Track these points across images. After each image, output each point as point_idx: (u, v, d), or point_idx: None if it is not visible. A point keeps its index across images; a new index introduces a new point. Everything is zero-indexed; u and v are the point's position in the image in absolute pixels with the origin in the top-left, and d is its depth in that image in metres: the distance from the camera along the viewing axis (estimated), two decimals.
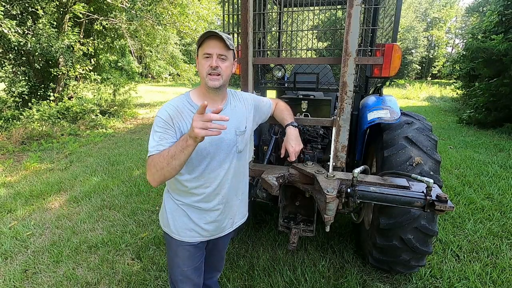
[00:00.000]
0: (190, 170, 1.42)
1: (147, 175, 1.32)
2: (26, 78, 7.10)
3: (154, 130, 1.34)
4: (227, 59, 1.36)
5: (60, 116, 7.75)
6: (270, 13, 3.24)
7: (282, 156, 1.75)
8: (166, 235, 1.58)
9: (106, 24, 9.12)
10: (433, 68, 37.03)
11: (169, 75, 12.26)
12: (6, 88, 7.17)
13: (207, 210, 1.48)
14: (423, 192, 1.50)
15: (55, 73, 7.63)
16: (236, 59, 1.47)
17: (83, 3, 7.36)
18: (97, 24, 9.06)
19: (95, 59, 9.03)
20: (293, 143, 1.70)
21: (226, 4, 2.37)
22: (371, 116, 2.16)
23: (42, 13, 6.41)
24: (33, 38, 5.96)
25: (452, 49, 40.11)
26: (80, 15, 7.50)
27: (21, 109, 7.21)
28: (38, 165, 5.14)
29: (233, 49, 1.38)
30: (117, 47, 10.34)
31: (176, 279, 1.62)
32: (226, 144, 1.44)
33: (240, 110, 1.54)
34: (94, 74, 8.62)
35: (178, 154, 1.21)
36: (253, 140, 2.36)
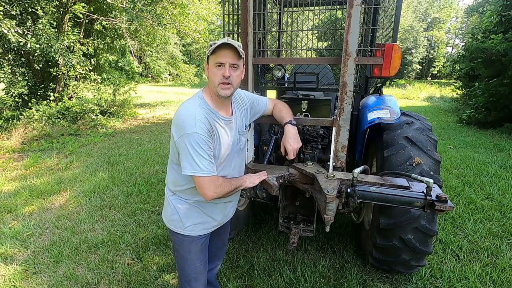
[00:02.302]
0: None
1: (209, 192, 1.37)
2: (26, 79, 7.09)
3: (200, 147, 1.30)
4: (238, 68, 1.39)
5: (60, 116, 7.75)
6: (270, 13, 3.24)
7: (283, 154, 1.76)
8: (178, 235, 1.57)
9: (106, 24, 9.11)
10: (433, 68, 37.03)
11: (169, 75, 12.27)
12: (6, 88, 7.16)
13: (218, 203, 1.57)
14: (423, 192, 1.50)
15: (55, 73, 7.62)
16: (245, 65, 1.51)
17: (83, 3, 7.35)
18: (97, 24, 9.06)
19: (95, 59, 9.02)
20: (291, 141, 1.72)
21: (226, 4, 2.37)
22: (371, 116, 2.16)
23: (42, 13, 6.40)
24: (33, 38, 5.95)
25: (452, 49, 40.13)
26: (80, 15, 7.49)
27: (21, 109, 7.20)
28: (38, 165, 5.14)
29: (243, 57, 1.40)
30: (117, 47, 10.33)
31: (190, 279, 1.63)
32: (235, 145, 1.54)
33: (241, 110, 1.61)
34: (94, 74, 8.62)
35: (239, 189, 1.56)
36: (253, 139, 2.36)
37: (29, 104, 7.33)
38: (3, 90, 7.51)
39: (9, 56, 6.80)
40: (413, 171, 1.93)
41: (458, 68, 10.72)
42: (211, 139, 1.37)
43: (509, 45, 6.96)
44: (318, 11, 2.59)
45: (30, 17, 6.34)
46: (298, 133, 1.78)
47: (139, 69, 12.04)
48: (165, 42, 10.96)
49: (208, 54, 1.38)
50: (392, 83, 22.74)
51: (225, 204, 1.63)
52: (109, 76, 9.71)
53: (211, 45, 1.35)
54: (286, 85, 3.00)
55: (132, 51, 10.46)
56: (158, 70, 12.33)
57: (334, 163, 2.09)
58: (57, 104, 7.99)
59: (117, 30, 9.61)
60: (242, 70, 1.45)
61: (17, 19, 6.01)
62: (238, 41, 2.32)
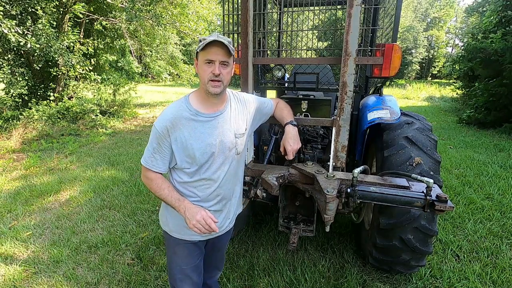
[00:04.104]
0: (191, 173, 1.43)
1: (142, 178, 1.51)
2: (25, 79, 7.09)
3: (151, 139, 1.41)
4: (229, 65, 1.37)
5: (60, 116, 7.74)
6: (270, 13, 3.24)
7: (282, 154, 1.75)
8: (166, 233, 1.60)
9: (106, 24, 9.11)
10: (433, 68, 37.05)
11: (169, 75, 12.24)
12: (5, 88, 7.16)
13: (206, 208, 1.47)
14: (423, 192, 1.50)
15: (55, 73, 7.62)
16: (234, 62, 1.48)
17: (83, 3, 7.35)
18: (97, 24, 9.05)
19: (95, 59, 9.01)
20: (291, 141, 1.70)
21: (226, 4, 2.36)
22: (371, 116, 2.16)
23: (42, 13, 6.40)
24: (33, 38, 5.94)
25: (452, 49, 40.16)
26: (80, 15, 7.49)
27: (21, 109, 7.20)
28: (38, 165, 5.14)
29: (233, 54, 1.38)
30: (117, 47, 10.32)
31: (175, 278, 1.62)
32: (226, 147, 1.45)
33: (241, 112, 1.55)
34: (94, 74, 8.61)
35: (168, 203, 1.42)
36: (252, 140, 2.36)
37: (29, 104, 7.33)
38: (3, 90, 7.51)
39: (9, 56, 6.79)
40: (413, 171, 1.93)
41: (458, 68, 10.72)
42: (166, 138, 1.36)
43: (506, 44, 6.95)
44: (318, 11, 2.59)
45: (30, 17, 6.34)
46: (298, 134, 1.77)
47: (139, 69, 12.01)
48: (165, 42, 10.94)
49: (198, 50, 1.35)
50: (392, 83, 22.73)
51: (214, 213, 1.47)
52: (109, 76, 9.70)
53: (200, 41, 1.33)
54: (286, 85, 3.00)
55: (132, 51, 10.45)
56: (158, 70, 12.30)
57: (334, 163, 2.09)
58: (57, 104, 7.99)
59: (117, 30, 9.61)
60: (232, 67, 1.42)
61: (17, 19, 6.01)
62: (238, 41, 2.32)
